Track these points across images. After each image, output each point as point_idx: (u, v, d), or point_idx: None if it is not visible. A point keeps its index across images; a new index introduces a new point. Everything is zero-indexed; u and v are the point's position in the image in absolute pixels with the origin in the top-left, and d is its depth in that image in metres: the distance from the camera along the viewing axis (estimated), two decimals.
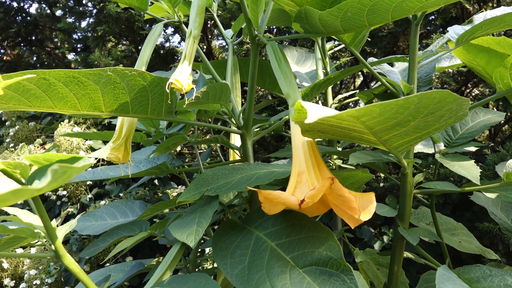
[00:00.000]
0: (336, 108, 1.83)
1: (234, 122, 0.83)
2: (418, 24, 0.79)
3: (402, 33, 1.90)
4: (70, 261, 0.55)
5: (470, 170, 0.80)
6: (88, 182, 1.78)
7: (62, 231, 0.59)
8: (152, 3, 0.97)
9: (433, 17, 1.91)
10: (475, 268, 0.65)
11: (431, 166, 2.04)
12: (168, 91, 0.61)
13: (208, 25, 2.61)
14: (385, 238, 1.86)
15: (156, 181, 1.96)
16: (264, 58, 1.99)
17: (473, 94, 2.12)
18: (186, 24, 0.76)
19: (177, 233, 0.60)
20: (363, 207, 0.54)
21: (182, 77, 0.61)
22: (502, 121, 2.80)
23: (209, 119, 1.15)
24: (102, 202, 1.66)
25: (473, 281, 0.63)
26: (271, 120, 0.86)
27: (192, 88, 0.63)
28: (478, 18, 0.93)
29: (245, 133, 0.83)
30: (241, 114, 0.85)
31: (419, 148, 1.09)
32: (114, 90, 0.61)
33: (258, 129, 0.89)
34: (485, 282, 0.61)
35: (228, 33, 1.02)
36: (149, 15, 0.90)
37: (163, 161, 0.84)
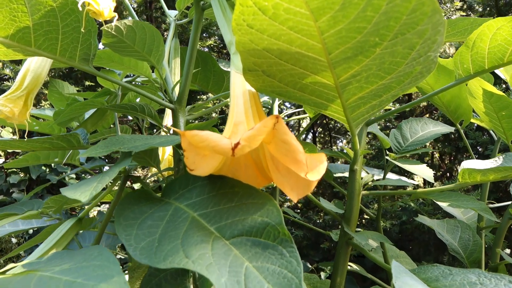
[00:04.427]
0: None
1: (165, 94, 0.72)
2: None
3: None
4: None
5: (423, 171, 0.74)
6: None
7: None
8: None
9: None
10: (433, 268, 0.56)
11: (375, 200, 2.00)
12: (81, 9, 0.48)
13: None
14: (323, 275, 1.74)
15: None
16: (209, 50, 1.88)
17: None
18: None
19: (69, 192, 0.46)
20: (312, 167, 0.43)
21: None
22: (440, 173, 2.88)
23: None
24: None
25: (431, 280, 0.53)
26: (211, 98, 0.75)
27: (115, 17, 0.51)
28: None
29: (178, 108, 0.71)
30: (175, 88, 0.73)
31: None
32: (10, 3, 0.48)
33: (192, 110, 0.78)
34: (445, 280, 0.52)
35: (172, 13, 0.93)
36: None
37: (74, 132, 0.69)
